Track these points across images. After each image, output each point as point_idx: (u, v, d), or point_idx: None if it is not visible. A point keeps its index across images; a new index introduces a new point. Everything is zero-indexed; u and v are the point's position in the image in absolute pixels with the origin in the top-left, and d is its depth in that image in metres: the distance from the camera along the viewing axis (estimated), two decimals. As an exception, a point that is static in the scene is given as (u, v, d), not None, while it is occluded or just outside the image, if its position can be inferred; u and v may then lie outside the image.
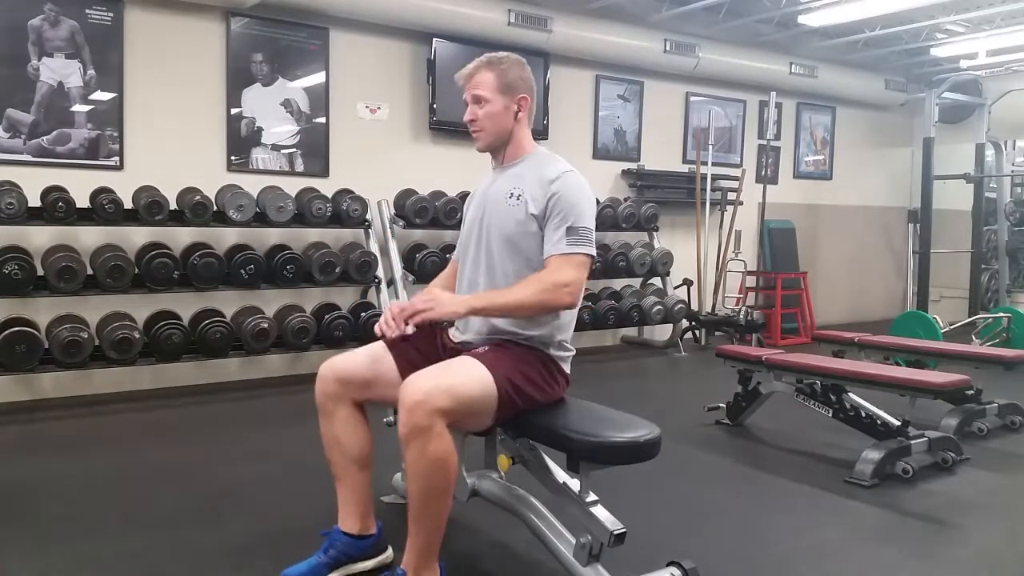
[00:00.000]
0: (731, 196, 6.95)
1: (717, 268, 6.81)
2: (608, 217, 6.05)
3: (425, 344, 2.24)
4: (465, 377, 1.94)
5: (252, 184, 4.75)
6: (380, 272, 5.06)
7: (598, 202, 6.13)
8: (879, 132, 8.58)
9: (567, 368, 2.20)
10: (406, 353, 2.19)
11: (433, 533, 1.94)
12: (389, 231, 5.20)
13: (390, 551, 2.26)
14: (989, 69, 7.72)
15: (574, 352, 2.23)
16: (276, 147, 5.08)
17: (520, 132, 2.24)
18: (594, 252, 2.10)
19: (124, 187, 4.32)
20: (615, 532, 1.94)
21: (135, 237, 4.49)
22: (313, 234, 5.02)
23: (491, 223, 2.21)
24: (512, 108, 2.20)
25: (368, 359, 2.21)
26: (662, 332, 6.58)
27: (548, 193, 2.10)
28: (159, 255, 4.29)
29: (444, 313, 1.98)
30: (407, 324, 1.98)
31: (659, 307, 6.11)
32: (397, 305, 2.04)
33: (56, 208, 4.05)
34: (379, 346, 2.23)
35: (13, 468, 3.22)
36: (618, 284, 6.42)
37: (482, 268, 2.21)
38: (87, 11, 4.41)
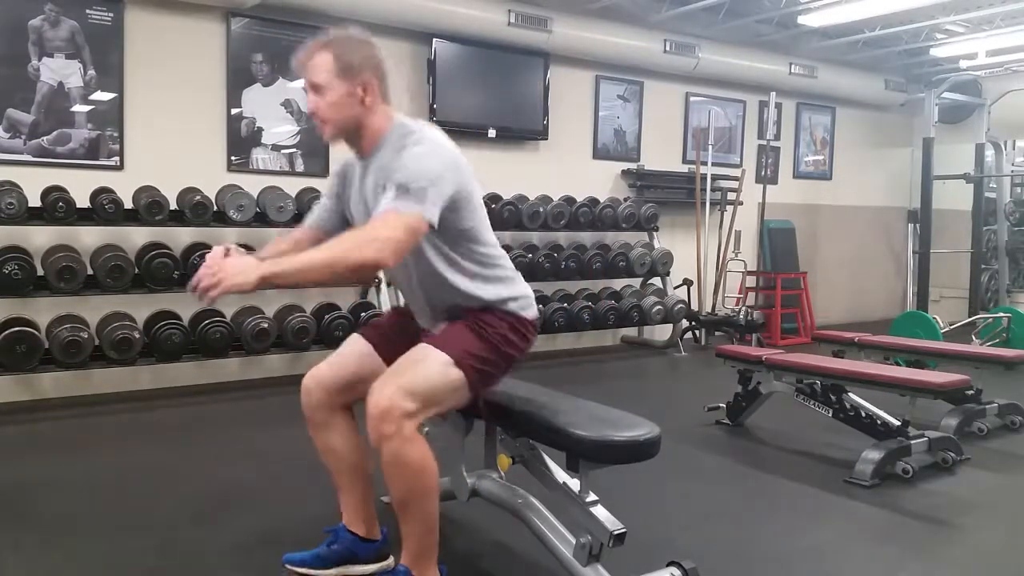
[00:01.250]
0: (731, 196, 6.95)
1: (717, 268, 6.81)
2: (608, 217, 6.05)
3: (400, 326, 2.21)
4: (424, 369, 1.89)
5: (252, 184, 4.75)
6: (380, 272, 5.05)
7: (598, 202, 6.14)
8: (879, 132, 8.59)
9: (531, 314, 2.10)
10: (388, 338, 2.15)
11: (425, 535, 1.93)
12: (389, 231, 5.19)
13: (392, 560, 2.23)
14: (989, 69, 7.72)
15: (531, 298, 2.14)
16: (276, 147, 5.08)
17: (371, 119, 1.98)
18: (429, 211, 1.82)
19: (124, 187, 4.32)
20: (615, 532, 1.93)
21: (135, 237, 4.49)
22: (313, 234, 5.01)
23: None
24: (357, 93, 1.94)
25: (347, 359, 2.17)
26: (662, 332, 6.58)
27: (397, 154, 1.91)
28: (159, 255, 4.29)
29: (231, 285, 1.71)
30: (205, 297, 1.73)
31: (659, 307, 6.11)
32: (199, 280, 1.75)
33: (56, 208, 4.05)
34: (360, 343, 2.18)
35: (13, 468, 3.22)
36: (618, 284, 6.42)
37: (402, 271, 2.07)
38: (87, 11, 4.41)
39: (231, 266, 1.73)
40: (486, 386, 2.05)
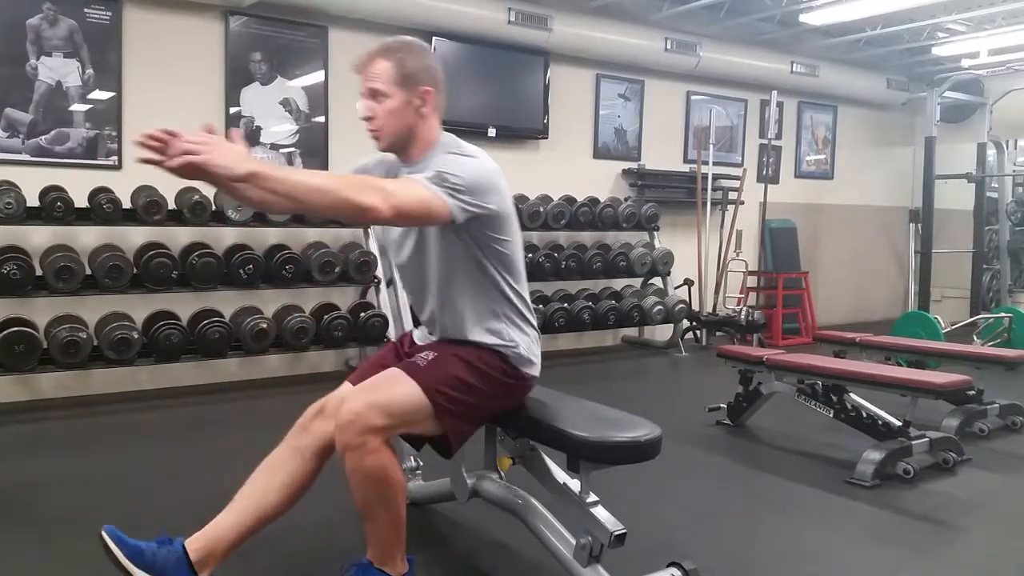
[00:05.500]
0: (732, 196, 6.94)
1: (718, 268, 6.79)
2: (608, 217, 6.04)
3: (391, 362, 2.12)
4: (397, 391, 1.88)
5: (252, 184, 4.73)
6: (379, 272, 5.04)
7: (598, 202, 6.13)
8: (880, 131, 8.57)
9: (526, 370, 2.06)
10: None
11: (389, 537, 1.93)
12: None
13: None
14: (991, 68, 7.70)
15: (536, 360, 2.09)
16: (275, 146, 5.07)
17: (425, 128, 1.99)
18: (453, 204, 1.79)
19: (123, 187, 4.31)
20: (615, 533, 1.92)
21: (134, 237, 4.48)
22: (312, 234, 5.01)
23: (424, 238, 2.01)
24: (414, 103, 1.95)
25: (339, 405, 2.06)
26: (663, 332, 6.57)
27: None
28: (158, 255, 4.28)
29: (216, 164, 1.57)
30: (170, 159, 1.57)
31: (660, 307, 6.10)
32: (176, 134, 1.60)
33: (55, 208, 4.04)
34: (346, 388, 2.08)
35: (13, 468, 3.22)
36: (619, 284, 6.41)
37: (416, 273, 2.06)
38: (85, 10, 4.40)
39: (223, 147, 1.59)
40: (459, 425, 1.97)
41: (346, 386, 2.09)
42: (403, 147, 2.01)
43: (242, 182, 1.61)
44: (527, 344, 2.07)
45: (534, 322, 2.12)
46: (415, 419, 1.92)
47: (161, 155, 1.58)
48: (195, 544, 1.89)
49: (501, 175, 1.96)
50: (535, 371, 2.11)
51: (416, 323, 2.28)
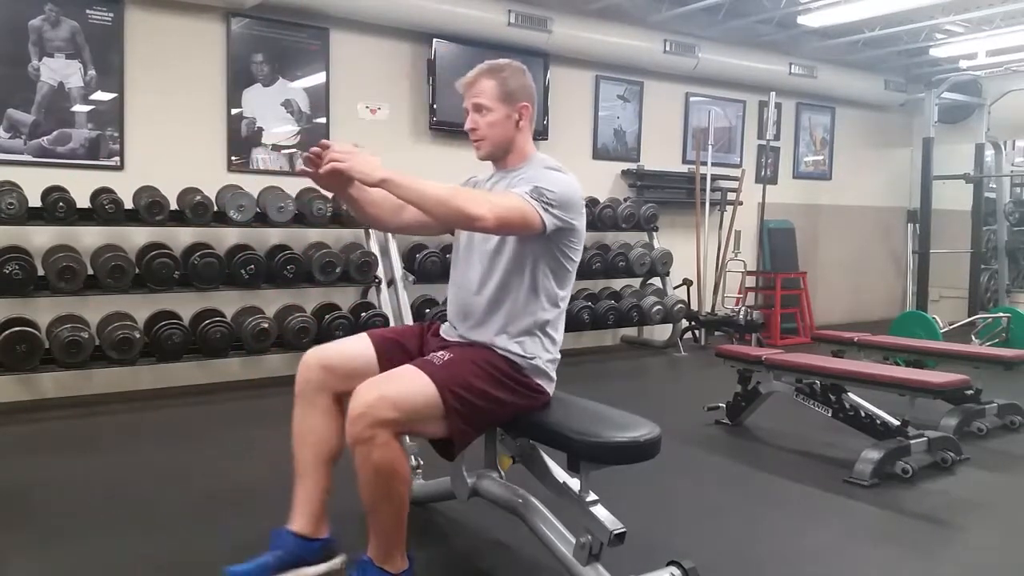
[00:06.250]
0: (731, 196, 6.95)
1: (717, 268, 6.81)
2: (608, 217, 6.05)
3: (412, 343, 2.25)
4: (409, 387, 1.92)
5: (252, 184, 4.75)
6: (380, 272, 5.06)
7: (598, 202, 6.14)
8: (878, 132, 8.59)
9: (541, 382, 2.12)
10: (390, 352, 2.18)
11: (392, 534, 1.96)
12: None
13: (342, 557, 2.16)
14: (988, 69, 7.72)
15: (548, 372, 2.15)
16: (276, 147, 5.08)
17: (521, 140, 2.23)
18: (547, 217, 1.99)
19: (124, 187, 4.32)
20: (615, 532, 1.94)
21: (136, 237, 4.49)
22: (313, 234, 5.02)
23: (505, 240, 2.12)
24: (514, 117, 2.18)
25: (354, 350, 2.20)
26: (662, 332, 6.58)
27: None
28: (160, 255, 4.29)
29: (358, 172, 1.88)
30: (317, 168, 1.95)
31: (659, 307, 6.12)
32: (327, 146, 1.94)
33: (57, 208, 4.05)
34: (365, 340, 2.22)
35: (13, 468, 3.23)
36: (618, 284, 6.42)
37: (476, 271, 2.16)
38: (87, 11, 4.41)
39: (363, 157, 1.88)
40: (465, 428, 2.00)
41: (358, 340, 2.23)
42: (501, 156, 2.23)
43: (377, 187, 1.90)
44: (547, 360, 2.14)
45: (558, 338, 2.19)
46: (425, 416, 1.94)
47: (315, 167, 1.95)
48: (297, 524, 2.11)
49: (581, 191, 2.15)
50: (551, 387, 2.16)
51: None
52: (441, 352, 2.07)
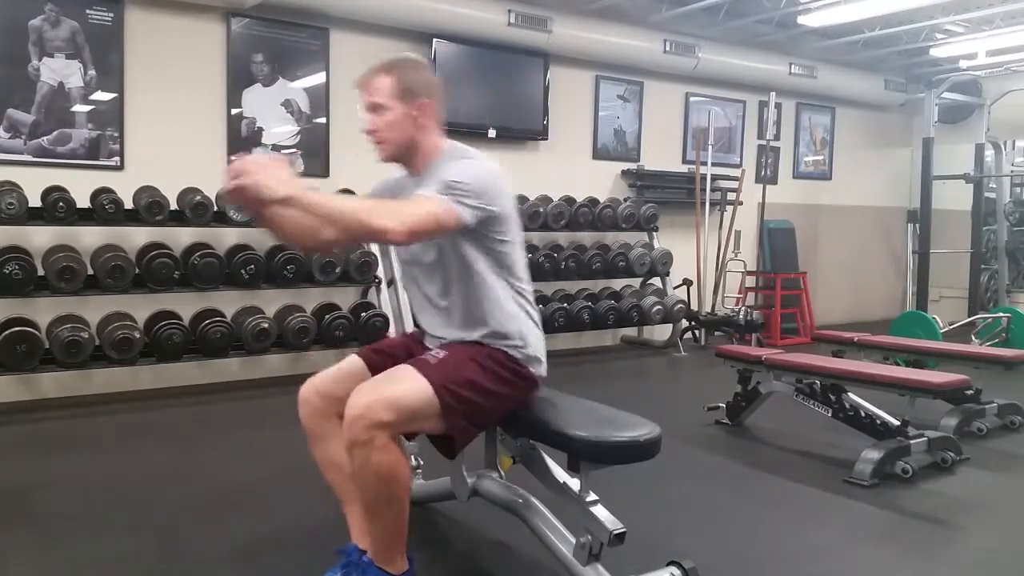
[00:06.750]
0: (731, 196, 6.95)
1: (717, 268, 6.81)
2: (608, 217, 6.05)
3: (401, 352, 2.19)
4: (406, 387, 1.90)
5: (252, 184, 4.74)
6: (380, 272, 5.06)
7: (597, 202, 6.14)
8: (878, 132, 8.59)
9: (535, 369, 2.10)
10: (382, 363, 2.12)
11: (394, 532, 1.95)
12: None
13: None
14: (988, 69, 7.72)
15: (542, 358, 2.13)
16: (276, 147, 5.09)
17: (426, 139, 2.09)
18: (464, 211, 1.88)
19: (124, 187, 4.33)
20: (615, 532, 1.94)
21: (136, 237, 4.49)
22: (313, 234, 5.01)
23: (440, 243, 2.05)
24: (412, 115, 2.04)
25: (346, 372, 2.17)
26: (662, 332, 6.58)
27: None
28: (160, 255, 4.29)
29: (263, 187, 1.70)
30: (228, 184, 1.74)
31: (659, 307, 6.12)
32: (240, 164, 1.74)
33: (57, 208, 4.05)
34: (354, 359, 2.20)
35: (13, 468, 3.23)
36: (618, 284, 6.42)
37: (432, 287, 2.12)
38: (87, 11, 4.41)
39: (273, 172, 1.72)
40: (465, 425, 1.99)
41: (349, 363, 2.19)
42: (406, 157, 2.11)
43: (281, 204, 1.75)
44: (535, 342, 2.11)
45: (538, 321, 2.15)
46: (422, 416, 1.92)
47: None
48: (362, 541, 2.08)
49: (502, 175, 2.03)
50: (543, 370, 2.14)
51: (418, 328, 2.30)
52: (436, 351, 2.06)
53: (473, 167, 1.98)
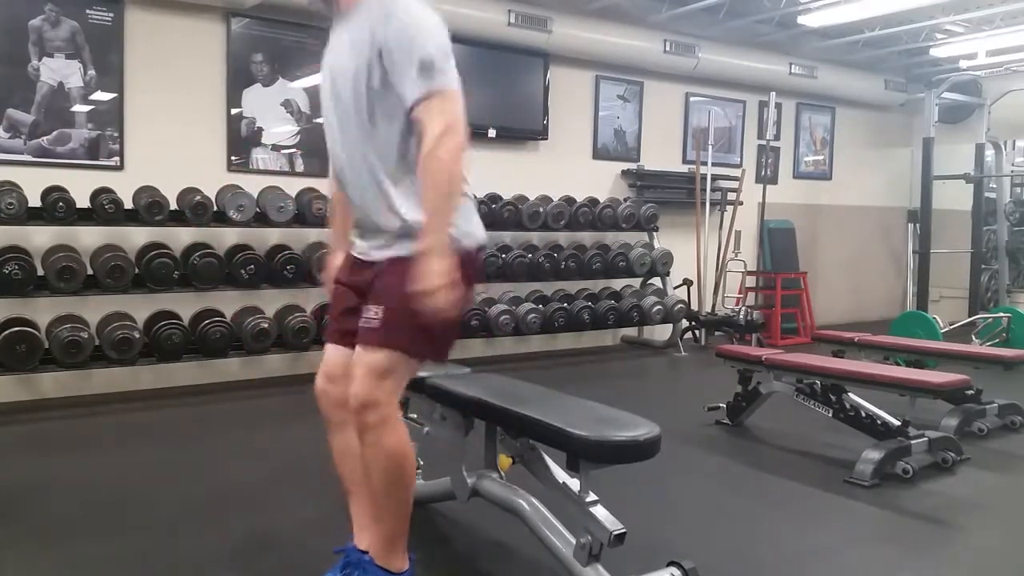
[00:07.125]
0: (731, 196, 6.95)
1: (717, 268, 6.81)
2: (608, 217, 6.05)
3: (351, 300, 2.04)
4: (377, 357, 1.85)
5: (252, 184, 4.75)
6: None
7: (598, 202, 6.14)
8: (879, 132, 8.59)
9: (473, 243, 1.96)
10: (348, 333, 1.99)
11: (398, 524, 1.94)
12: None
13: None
14: (988, 69, 7.72)
15: (477, 223, 2.00)
16: (276, 147, 5.08)
17: None
18: (456, 82, 1.83)
19: (124, 187, 4.32)
20: (615, 532, 1.94)
21: (135, 237, 4.49)
22: (313, 234, 5.01)
23: (342, 84, 1.99)
24: None
25: (333, 355, 2.07)
26: (662, 332, 6.58)
27: (384, 21, 1.84)
28: (159, 255, 4.29)
29: (454, 296, 1.77)
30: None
31: (659, 307, 6.12)
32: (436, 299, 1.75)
33: (56, 208, 4.05)
34: (333, 350, 2.08)
35: (13, 468, 3.23)
36: (618, 284, 6.42)
37: (353, 142, 2.03)
38: (87, 11, 4.41)
39: (434, 268, 1.75)
40: (439, 348, 1.96)
41: (330, 350, 2.08)
42: None
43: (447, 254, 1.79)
44: (465, 214, 1.95)
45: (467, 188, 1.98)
46: (406, 369, 1.92)
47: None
48: (364, 541, 2.04)
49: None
50: (481, 238, 2.00)
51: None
52: (372, 309, 1.89)
53: (422, 22, 1.84)
